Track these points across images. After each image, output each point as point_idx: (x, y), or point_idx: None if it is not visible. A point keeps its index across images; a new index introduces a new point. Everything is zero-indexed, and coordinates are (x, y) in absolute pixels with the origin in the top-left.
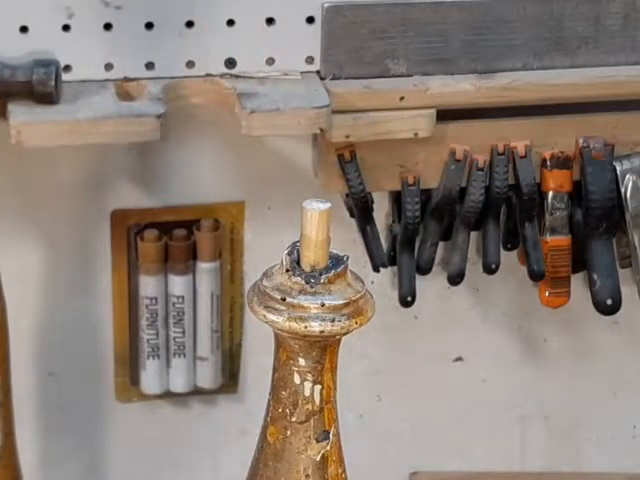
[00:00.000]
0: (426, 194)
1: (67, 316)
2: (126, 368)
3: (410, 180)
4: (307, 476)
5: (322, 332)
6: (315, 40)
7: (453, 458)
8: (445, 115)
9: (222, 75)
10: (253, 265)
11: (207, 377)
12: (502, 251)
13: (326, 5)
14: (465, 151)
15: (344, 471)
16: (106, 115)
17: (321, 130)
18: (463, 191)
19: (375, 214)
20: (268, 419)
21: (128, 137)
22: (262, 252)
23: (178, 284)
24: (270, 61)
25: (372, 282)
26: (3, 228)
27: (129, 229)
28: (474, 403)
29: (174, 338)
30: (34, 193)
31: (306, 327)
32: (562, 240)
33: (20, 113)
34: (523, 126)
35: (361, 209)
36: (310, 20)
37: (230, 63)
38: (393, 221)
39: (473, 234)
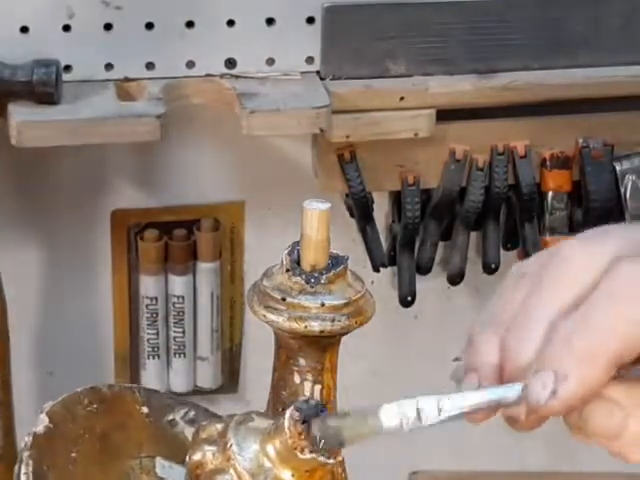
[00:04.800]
0: (426, 194)
1: (67, 316)
2: (126, 368)
3: (410, 180)
4: None
5: (322, 332)
6: (315, 40)
7: (453, 458)
8: (445, 115)
9: (222, 75)
10: (253, 265)
11: (207, 377)
12: (502, 251)
13: (326, 5)
14: (465, 151)
15: (344, 471)
16: (106, 115)
17: (321, 130)
18: (463, 191)
19: (375, 214)
20: None
21: (128, 137)
22: (262, 252)
23: (178, 284)
24: (270, 61)
25: (372, 282)
26: (3, 228)
27: (129, 229)
28: None
29: (174, 338)
30: (34, 193)
31: (306, 327)
32: (562, 240)
33: (20, 113)
34: (523, 126)
35: (361, 209)
36: (310, 20)
37: (230, 63)
38: (393, 221)
39: (473, 234)
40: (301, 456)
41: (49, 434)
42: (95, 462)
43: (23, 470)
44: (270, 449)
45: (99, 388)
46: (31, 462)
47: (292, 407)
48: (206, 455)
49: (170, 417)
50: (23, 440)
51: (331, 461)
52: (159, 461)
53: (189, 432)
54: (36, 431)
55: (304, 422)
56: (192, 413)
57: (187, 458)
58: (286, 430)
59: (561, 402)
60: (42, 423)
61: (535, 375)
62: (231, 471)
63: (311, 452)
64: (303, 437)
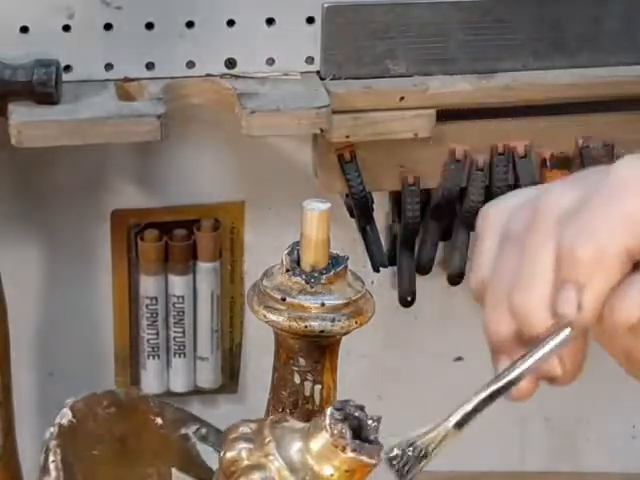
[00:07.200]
0: (426, 194)
1: (67, 316)
2: (126, 368)
3: (410, 180)
4: None
5: (322, 332)
6: (315, 40)
7: (453, 458)
8: (445, 115)
9: (222, 75)
10: (253, 265)
11: (207, 377)
12: None
13: (326, 5)
14: (465, 151)
15: None
16: (106, 115)
17: (321, 130)
18: (463, 191)
19: (375, 214)
20: None
21: (128, 137)
22: (262, 252)
23: (178, 284)
24: (270, 61)
25: (372, 282)
26: (3, 228)
27: (129, 229)
28: None
29: (174, 338)
30: (34, 193)
31: (306, 327)
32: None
33: (20, 113)
34: (523, 126)
35: (361, 209)
36: (310, 20)
37: (230, 63)
38: (393, 221)
39: (473, 234)
40: (342, 455)
41: (73, 428)
42: (115, 464)
43: (51, 458)
44: (311, 446)
45: (117, 392)
46: (59, 451)
47: (332, 407)
48: (241, 452)
49: (183, 431)
50: (48, 430)
51: (372, 461)
52: (175, 473)
53: (201, 448)
54: (61, 423)
55: (344, 420)
56: (204, 430)
57: (220, 455)
58: (327, 428)
59: (587, 310)
60: (66, 417)
61: (559, 295)
62: (269, 466)
63: (353, 451)
64: (344, 435)
